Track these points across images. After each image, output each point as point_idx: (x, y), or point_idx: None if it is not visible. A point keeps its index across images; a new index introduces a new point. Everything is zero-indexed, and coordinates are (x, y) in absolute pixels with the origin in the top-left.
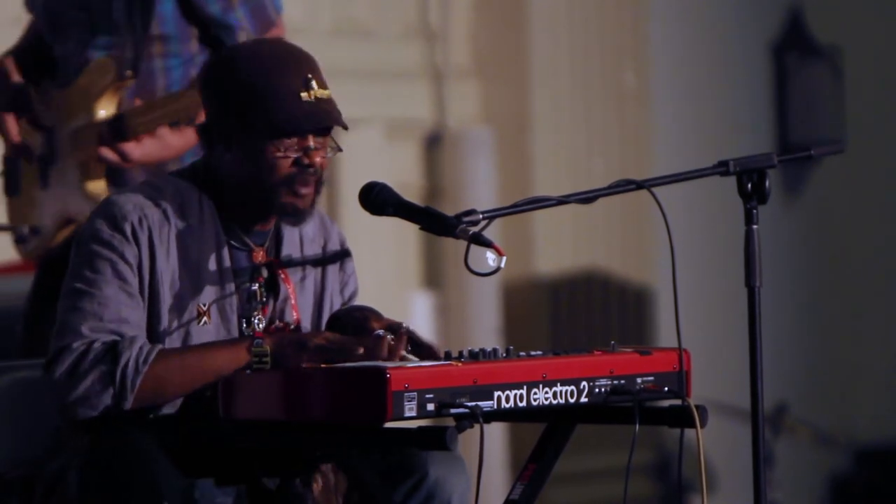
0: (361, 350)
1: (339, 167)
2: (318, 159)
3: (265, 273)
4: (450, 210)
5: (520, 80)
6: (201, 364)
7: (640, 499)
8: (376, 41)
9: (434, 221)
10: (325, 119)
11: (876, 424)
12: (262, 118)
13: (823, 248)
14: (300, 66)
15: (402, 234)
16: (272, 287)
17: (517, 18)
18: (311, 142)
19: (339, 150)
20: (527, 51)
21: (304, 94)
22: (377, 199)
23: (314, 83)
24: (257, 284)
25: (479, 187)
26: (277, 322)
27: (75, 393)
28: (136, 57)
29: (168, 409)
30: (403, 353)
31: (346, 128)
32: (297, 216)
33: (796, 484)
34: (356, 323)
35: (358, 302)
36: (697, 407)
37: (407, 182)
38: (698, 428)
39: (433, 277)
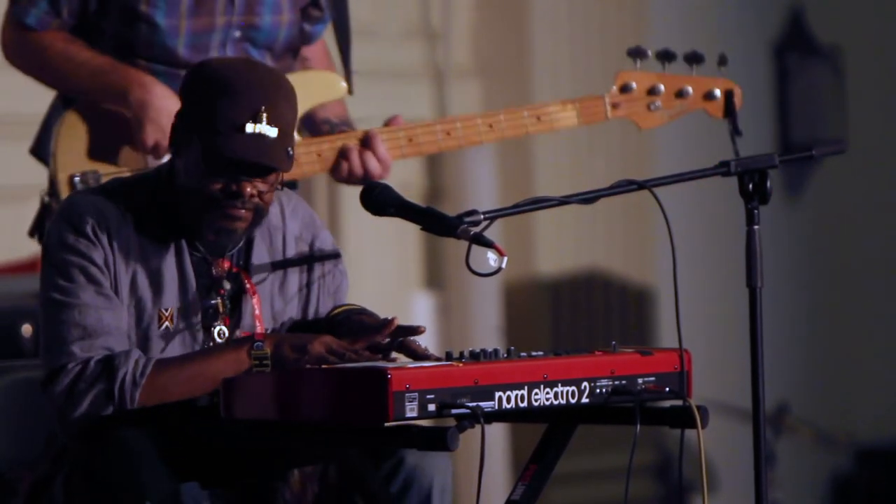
0: (368, 355)
1: None
2: (249, 190)
3: (227, 286)
4: (451, 210)
5: (521, 79)
6: (202, 371)
7: (641, 499)
8: (378, 41)
9: (435, 222)
10: (255, 157)
11: (877, 424)
12: (202, 136)
13: (825, 249)
14: (257, 95)
15: (404, 235)
16: (237, 297)
17: (518, 18)
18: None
19: (282, 187)
20: (528, 51)
21: (249, 125)
22: (378, 199)
23: (264, 117)
24: (218, 297)
25: (480, 187)
26: (238, 333)
27: (76, 413)
28: None
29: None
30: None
31: (279, 170)
32: (227, 236)
33: (797, 484)
34: (354, 327)
35: (351, 300)
36: (698, 407)
37: (408, 182)
38: (699, 428)
39: (434, 278)
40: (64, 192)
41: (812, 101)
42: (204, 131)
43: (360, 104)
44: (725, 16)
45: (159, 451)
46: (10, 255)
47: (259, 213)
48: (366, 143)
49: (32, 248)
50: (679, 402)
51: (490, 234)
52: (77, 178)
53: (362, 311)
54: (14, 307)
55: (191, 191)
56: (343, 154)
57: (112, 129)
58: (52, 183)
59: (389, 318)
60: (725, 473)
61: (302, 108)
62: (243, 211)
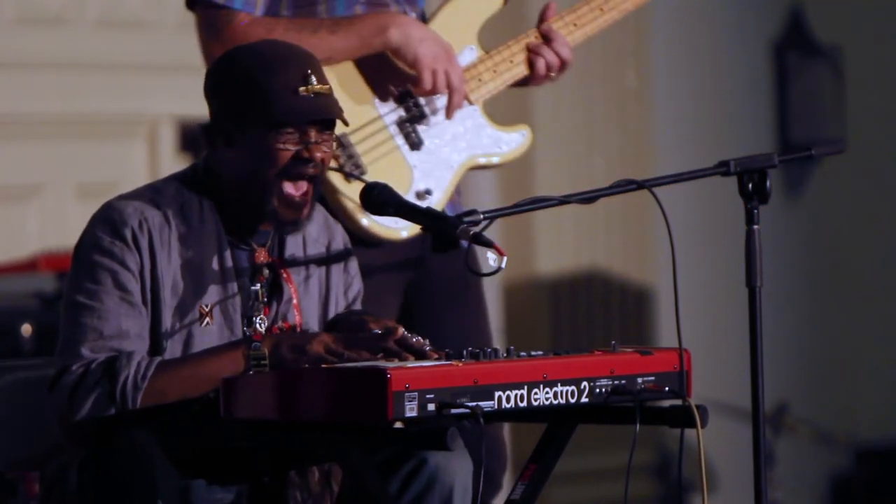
0: (367, 355)
1: None
2: (318, 154)
3: (267, 273)
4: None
5: None
6: (200, 372)
7: (641, 499)
8: None
9: (435, 222)
10: (323, 111)
11: (876, 424)
12: (261, 112)
13: (824, 248)
14: (299, 62)
15: None
16: (275, 288)
17: (517, 18)
18: (312, 136)
19: (340, 144)
20: None
21: (302, 89)
22: (378, 199)
23: (313, 78)
24: (259, 285)
25: (479, 187)
26: (280, 323)
27: (78, 415)
28: None
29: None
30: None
31: (346, 123)
32: (292, 225)
33: (797, 483)
34: (353, 327)
35: (361, 304)
36: (698, 407)
37: None
38: (699, 428)
39: None
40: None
41: (812, 101)
42: (261, 108)
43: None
44: (726, 16)
45: (165, 451)
46: (10, 255)
47: (318, 184)
48: (546, 37)
49: (32, 248)
50: (679, 402)
51: (490, 233)
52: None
53: (364, 312)
54: (14, 307)
55: (253, 173)
56: (533, 51)
57: (347, 87)
58: None
59: (392, 325)
60: (725, 473)
61: (476, 25)
62: (306, 187)
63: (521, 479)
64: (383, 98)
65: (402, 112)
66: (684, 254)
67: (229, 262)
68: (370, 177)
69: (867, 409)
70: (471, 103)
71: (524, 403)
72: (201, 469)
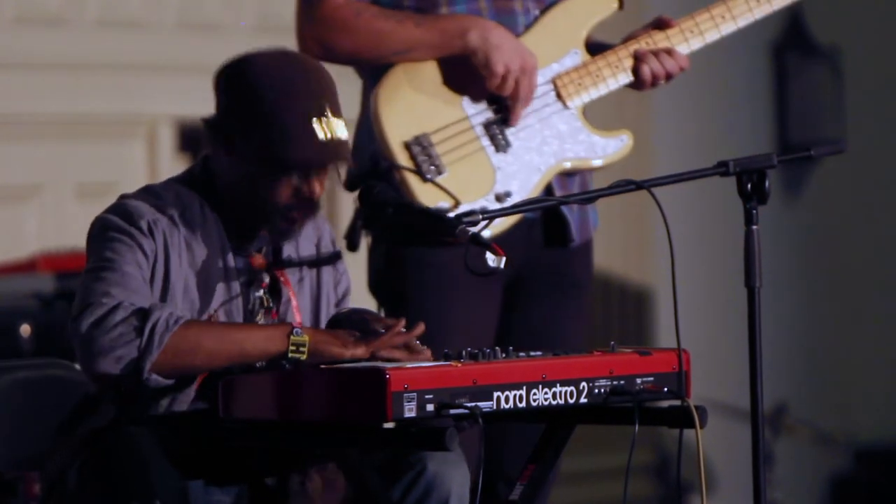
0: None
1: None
2: (317, 189)
3: (267, 279)
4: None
5: None
6: (235, 336)
7: (640, 499)
8: None
9: (434, 222)
10: (334, 159)
11: (876, 424)
12: (268, 142)
13: (823, 249)
14: (319, 85)
15: None
16: (274, 291)
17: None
18: (314, 171)
19: (340, 178)
20: None
21: (315, 123)
22: (377, 199)
23: (328, 110)
24: (262, 291)
25: None
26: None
27: (100, 342)
28: None
29: (178, 406)
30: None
31: (353, 166)
32: (287, 236)
33: (796, 484)
34: (356, 326)
35: (352, 303)
36: (697, 407)
37: None
38: (698, 428)
39: None
40: (401, 158)
41: (811, 102)
42: (270, 132)
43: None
44: None
45: (164, 450)
46: (10, 255)
47: (315, 209)
48: (655, 49)
49: (32, 248)
50: (677, 403)
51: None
52: (411, 142)
53: (365, 311)
54: (14, 307)
55: (250, 195)
56: (640, 59)
57: (436, 86)
58: (369, 161)
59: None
60: (724, 473)
61: (582, 31)
62: (308, 205)
63: (521, 480)
64: (474, 99)
65: (490, 114)
66: (683, 254)
67: (232, 264)
68: (449, 177)
69: (867, 409)
70: (566, 108)
71: (523, 404)
72: (201, 469)
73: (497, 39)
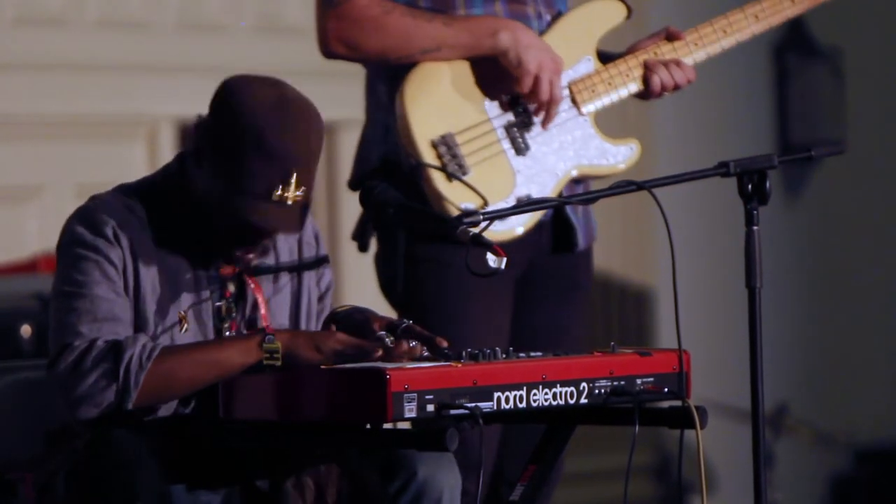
0: (379, 353)
1: (339, 167)
2: (266, 243)
3: (231, 288)
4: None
5: None
6: (210, 358)
7: (640, 499)
8: None
9: (434, 222)
10: (282, 226)
11: (876, 424)
12: (228, 180)
13: (824, 249)
14: (297, 144)
15: None
16: (241, 297)
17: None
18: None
19: (445, 143)
20: None
21: (277, 192)
22: (378, 199)
23: (294, 178)
24: (223, 301)
25: None
26: (245, 332)
27: (78, 391)
28: None
29: (163, 412)
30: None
31: (299, 232)
32: (241, 262)
33: (796, 484)
34: (357, 325)
35: (336, 295)
36: (697, 408)
37: None
38: (698, 429)
39: None
40: (428, 157)
41: (811, 102)
42: (231, 175)
43: (360, 104)
44: None
45: (152, 453)
46: (10, 255)
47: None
48: (664, 60)
49: (32, 248)
50: (678, 403)
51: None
52: (437, 141)
53: (364, 310)
54: (14, 307)
55: (215, 207)
56: (650, 69)
57: (459, 87)
58: (392, 162)
59: (396, 321)
60: (724, 474)
61: (594, 38)
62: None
63: (521, 480)
64: (494, 101)
65: (510, 117)
66: (684, 255)
67: (202, 272)
68: (472, 178)
69: (867, 409)
70: (580, 114)
71: (523, 404)
72: (191, 472)
73: (528, 40)
